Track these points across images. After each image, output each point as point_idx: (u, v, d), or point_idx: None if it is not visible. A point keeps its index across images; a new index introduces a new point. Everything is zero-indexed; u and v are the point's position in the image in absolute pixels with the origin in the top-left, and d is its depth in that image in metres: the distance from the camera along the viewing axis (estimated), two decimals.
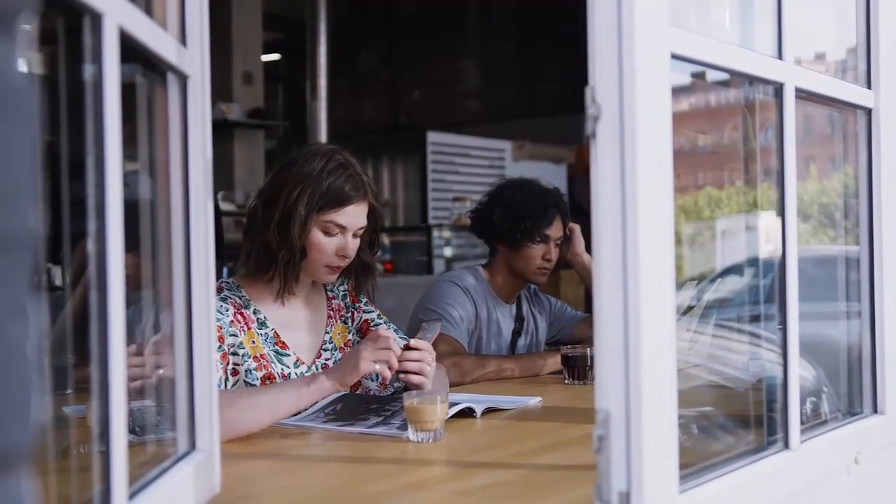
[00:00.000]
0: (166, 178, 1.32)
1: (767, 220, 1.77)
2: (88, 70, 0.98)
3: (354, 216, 2.17)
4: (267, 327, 2.19)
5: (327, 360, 2.28)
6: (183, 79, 1.31)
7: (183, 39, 1.32)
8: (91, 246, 0.98)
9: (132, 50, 1.08)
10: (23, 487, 0.53)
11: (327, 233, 2.16)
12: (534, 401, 2.31)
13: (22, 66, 0.53)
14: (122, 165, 1.00)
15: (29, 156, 0.52)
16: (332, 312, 2.34)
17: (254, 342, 2.15)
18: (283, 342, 2.21)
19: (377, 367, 1.97)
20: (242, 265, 2.23)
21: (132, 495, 1.05)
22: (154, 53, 1.18)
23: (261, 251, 2.17)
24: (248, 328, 2.16)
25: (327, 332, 2.31)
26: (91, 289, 0.98)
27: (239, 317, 2.14)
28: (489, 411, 2.14)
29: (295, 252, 2.14)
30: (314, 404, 2.05)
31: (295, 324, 2.26)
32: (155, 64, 1.24)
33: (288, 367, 2.18)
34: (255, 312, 2.19)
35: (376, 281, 2.37)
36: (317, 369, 2.24)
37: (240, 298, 2.19)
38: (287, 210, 2.12)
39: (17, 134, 0.50)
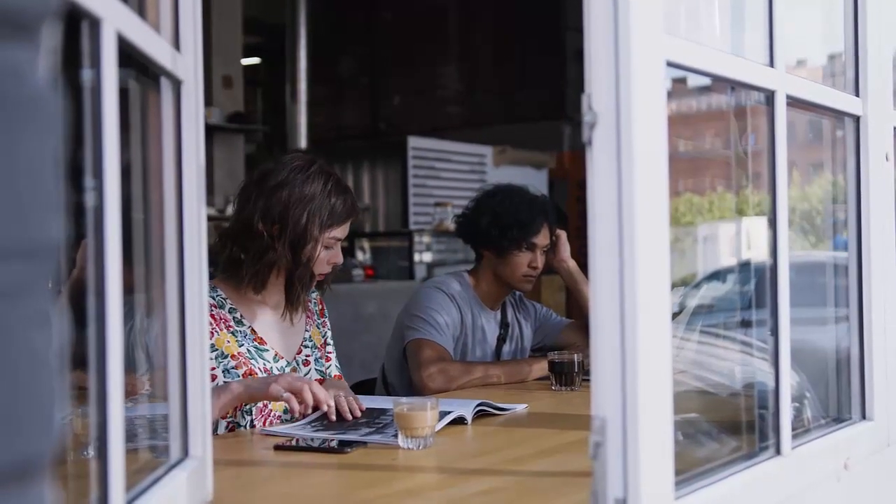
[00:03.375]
0: (159, 183, 1.31)
1: (750, 226, 1.78)
2: (86, 74, 0.97)
3: (348, 228, 2.29)
4: (244, 325, 2.22)
5: (308, 356, 2.34)
6: (177, 84, 1.31)
7: (177, 44, 1.31)
8: (89, 250, 0.97)
9: (126, 54, 1.07)
10: (45, 496, 0.52)
11: (328, 247, 2.25)
12: (520, 407, 2.31)
13: (44, 74, 0.52)
14: (119, 171, 0.99)
15: (52, 164, 0.52)
16: (309, 312, 2.40)
17: (228, 342, 2.17)
18: (262, 338, 2.24)
19: (285, 395, 1.96)
20: (247, 285, 2.22)
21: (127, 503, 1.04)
22: (150, 58, 1.17)
23: (267, 269, 2.20)
24: (221, 329, 2.17)
25: (307, 331, 2.37)
26: (84, 293, 0.97)
27: (209, 318, 2.14)
28: (480, 414, 2.14)
29: (308, 270, 2.21)
30: (304, 416, 2.06)
31: (274, 323, 2.29)
32: (148, 68, 1.23)
33: (268, 361, 2.22)
34: (230, 311, 2.22)
35: (334, 275, 2.42)
36: (297, 364, 2.30)
37: (214, 298, 2.20)
38: (300, 232, 2.18)
39: (41, 143, 0.50)
